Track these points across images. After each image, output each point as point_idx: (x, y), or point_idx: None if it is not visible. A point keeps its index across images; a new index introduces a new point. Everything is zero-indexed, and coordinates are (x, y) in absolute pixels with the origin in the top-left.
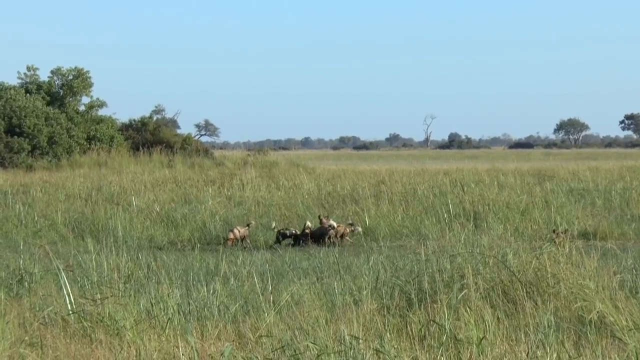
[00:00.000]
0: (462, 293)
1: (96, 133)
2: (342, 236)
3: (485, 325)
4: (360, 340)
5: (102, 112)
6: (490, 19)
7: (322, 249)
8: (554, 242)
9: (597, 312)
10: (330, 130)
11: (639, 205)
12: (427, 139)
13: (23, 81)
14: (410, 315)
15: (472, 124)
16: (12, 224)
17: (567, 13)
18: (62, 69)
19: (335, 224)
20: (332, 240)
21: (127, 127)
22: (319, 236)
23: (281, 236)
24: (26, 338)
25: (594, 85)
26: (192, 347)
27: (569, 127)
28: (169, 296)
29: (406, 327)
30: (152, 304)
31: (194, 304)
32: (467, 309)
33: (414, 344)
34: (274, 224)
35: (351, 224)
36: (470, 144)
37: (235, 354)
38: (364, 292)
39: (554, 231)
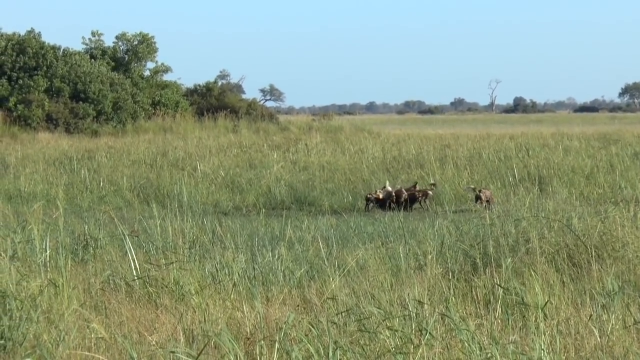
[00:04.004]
0: (527, 257)
1: (161, 98)
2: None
3: (551, 289)
4: (425, 305)
5: (167, 77)
6: None
7: (387, 213)
8: None
9: None
10: (395, 95)
11: None
12: (492, 103)
13: (88, 47)
14: (475, 280)
15: (537, 88)
16: (78, 190)
17: None
18: (127, 34)
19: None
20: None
21: (192, 93)
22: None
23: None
24: (91, 303)
25: None
26: (257, 312)
27: (634, 90)
28: (234, 261)
29: (471, 291)
30: (217, 269)
31: (259, 269)
32: (532, 273)
33: (479, 309)
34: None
35: (433, 184)
36: (535, 108)
37: (301, 318)
38: (429, 257)
39: None
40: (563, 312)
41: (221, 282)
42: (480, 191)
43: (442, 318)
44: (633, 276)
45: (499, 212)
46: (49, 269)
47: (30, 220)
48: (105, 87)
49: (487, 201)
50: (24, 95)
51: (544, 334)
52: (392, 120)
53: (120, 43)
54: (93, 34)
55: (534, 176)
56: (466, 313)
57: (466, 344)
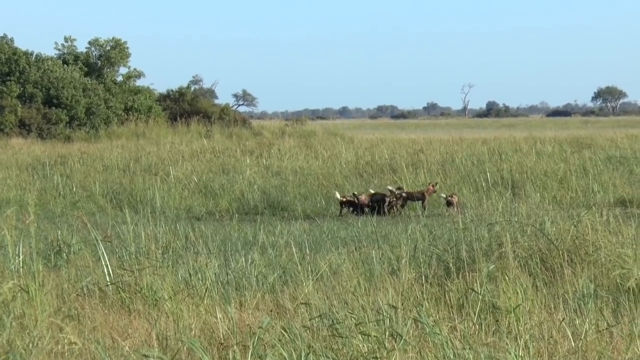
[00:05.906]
0: (500, 261)
1: (134, 104)
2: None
3: (524, 293)
4: (399, 310)
5: (139, 82)
6: None
7: (360, 218)
8: None
9: (636, 279)
10: (368, 100)
11: None
12: (464, 108)
13: (60, 52)
14: (449, 284)
15: (509, 92)
16: (51, 195)
17: None
18: (99, 39)
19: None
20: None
21: (164, 98)
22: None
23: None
24: (64, 309)
25: (632, 52)
26: (230, 317)
27: (606, 94)
28: (207, 266)
29: (444, 296)
30: (190, 275)
31: (232, 274)
32: (506, 277)
33: (452, 313)
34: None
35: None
36: (508, 112)
37: (274, 323)
38: (402, 261)
39: None
40: (536, 316)
41: (194, 288)
42: (451, 196)
43: (415, 323)
44: (606, 280)
45: (472, 216)
46: (22, 275)
47: (3, 226)
48: (78, 92)
49: (462, 205)
50: None
51: (518, 338)
52: (365, 125)
53: (92, 48)
54: (66, 39)
55: (507, 180)
56: (439, 317)
57: (439, 348)
